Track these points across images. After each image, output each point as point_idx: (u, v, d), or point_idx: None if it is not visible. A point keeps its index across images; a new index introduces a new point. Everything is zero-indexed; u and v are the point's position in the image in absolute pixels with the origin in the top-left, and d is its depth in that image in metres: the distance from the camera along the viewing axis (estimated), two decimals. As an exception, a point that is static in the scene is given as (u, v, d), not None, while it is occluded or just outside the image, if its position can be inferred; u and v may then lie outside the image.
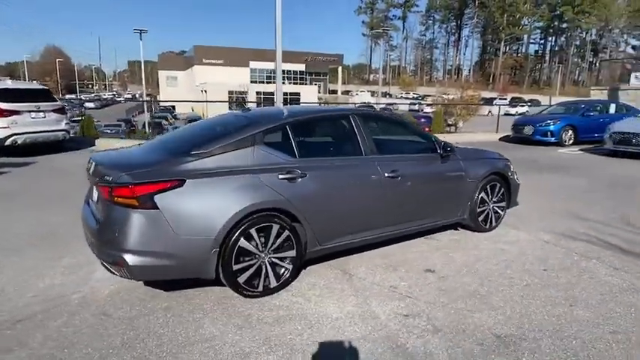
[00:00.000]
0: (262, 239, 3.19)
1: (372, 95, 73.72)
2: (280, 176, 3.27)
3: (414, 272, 3.75)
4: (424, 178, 4.16)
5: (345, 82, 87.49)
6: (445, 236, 4.68)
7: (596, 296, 3.29)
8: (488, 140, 15.73)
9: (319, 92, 64.52)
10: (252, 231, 3.13)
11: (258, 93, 50.76)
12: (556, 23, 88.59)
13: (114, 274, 3.03)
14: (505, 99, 57.26)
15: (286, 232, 3.27)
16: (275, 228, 3.23)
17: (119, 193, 2.84)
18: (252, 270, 3.18)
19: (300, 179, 3.34)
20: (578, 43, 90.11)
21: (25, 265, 3.84)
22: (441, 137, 5.21)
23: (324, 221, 3.49)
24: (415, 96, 73.31)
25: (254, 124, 3.45)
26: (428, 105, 46.91)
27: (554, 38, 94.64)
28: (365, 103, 42.92)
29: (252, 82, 60.55)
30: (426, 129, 15.17)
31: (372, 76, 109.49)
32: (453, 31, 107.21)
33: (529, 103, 51.40)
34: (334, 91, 78.81)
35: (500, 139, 15.60)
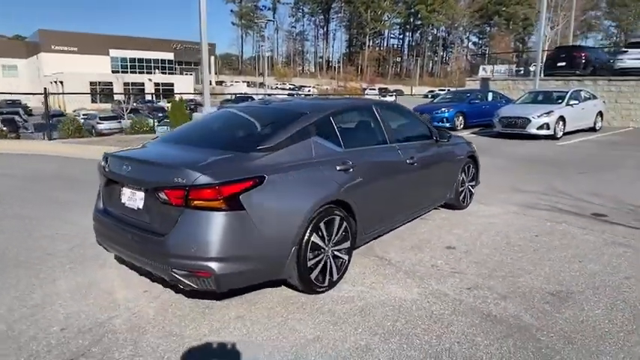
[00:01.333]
0: (327, 233, 3.17)
1: (248, 86, 73.14)
2: (337, 168, 3.27)
3: (438, 250, 4.09)
4: (430, 163, 4.52)
5: (216, 72, 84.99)
6: (436, 215, 5.14)
7: (591, 252, 4.03)
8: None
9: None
10: (321, 225, 3.09)
11: (126, 84, 46.34)
12: (412, 20, 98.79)
13: (187, 287, 2.73)
14: (374, 89, 62.12)
15: (344, 224, 3.30)
16: (337, 220, 3.23)
17: (200, 195, 2.55)
18: (320, 265, 3.14)
19: (351, 170, 3.38)
20: (430, 38, 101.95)
21: (16, 295, 3.15)
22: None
23: (369, 210, 3.59)
24: (292, 87, 74.90)
25: (304, 114, 3.36)
26: (307, 96, 48.63)
27: (411, 33, 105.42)
28: (243, 93, 42.48)
29: (113, 71, 55.11)
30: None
31: (244, 66, 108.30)
32: (322, 24, 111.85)
33: (394, 93, 56.93)
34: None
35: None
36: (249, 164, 2.78)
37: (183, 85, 53.90)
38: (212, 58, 79.00)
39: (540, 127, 11.79)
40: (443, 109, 14.63)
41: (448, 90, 17.52)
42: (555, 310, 2.99)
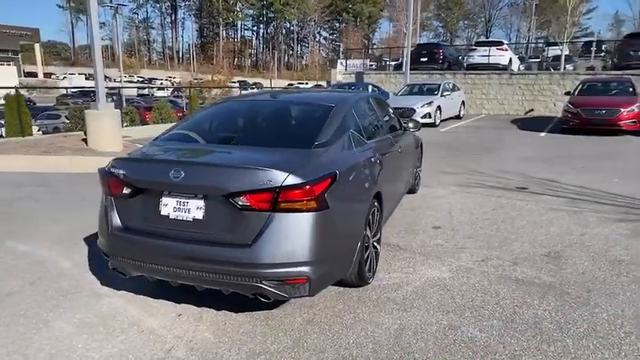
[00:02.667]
0: (372, 224, 3.25)
1: (87, 79, 65.03)
2: (372, 159, 3.35)
3: (430, 231, 4.47)
4: (406, 151, 4.86)
5: (43, 62, 73.61)
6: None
7: (542, 218, 4.86)
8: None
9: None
10: (370, 217, 3.15)
11: None
12: (265, 12, 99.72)
13: (277, 298, 2.56)
14: (235, 82, 61.45)
15: (377, 214, 3.41)
16: (376, 211, 3.32)
17: (291, 196, 2.39)
18: (369, 257, 3.21)
19: (379, 161, 3.50)
20: (285, 31, 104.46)
21: (8, 352, 2.49)
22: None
23: (387, 199, 3.76)
24: (140, 79, 69.23)
25: (333, 107, 3.32)
26: (160, 89, 45.35)
27: (265, 26, 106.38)
28: (81, 87, 37.77)
29: None
30: (179, 114, 15.47)
31: (77, 56, 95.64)
32: (169, 11, 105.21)
33: (254, 86, 57.32)
34: (32, 74, 65.60)
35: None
36: (319, 161, 2.68)
37: (3, 76, 45.29)
38: (37, 45, 68.23)
39: (424, 116, 13.29)
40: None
41: (317, 84, 18.50)
42: (558, 268, 3.60)
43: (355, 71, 21.42)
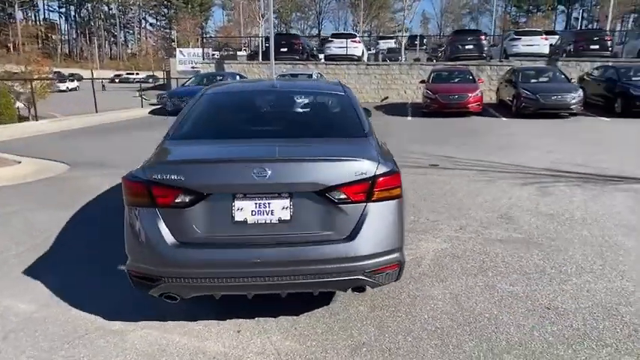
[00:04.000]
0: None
1: None
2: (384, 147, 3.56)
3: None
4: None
5: None
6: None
7: (470, 188, 5.71)
8: (138, 115, 15.87)
9: None
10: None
11: None
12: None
13: (372, 287, 2.68)
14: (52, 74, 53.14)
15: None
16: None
17: (384, 185, 2.46)
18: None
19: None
20: (103, 16, 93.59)
21: None
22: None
23: None
24: None
25: (345, 96, 3.39)
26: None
27: (77, 9, 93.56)
28: None
29: None
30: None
31: None
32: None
33: (73, 78, 50.50)
34: None
35: (151, 113, 16.11)
36: (380, 149, 2.78)
37: None
38: None
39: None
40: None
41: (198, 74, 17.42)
42: (518, 226, 4.37)
43: (217, 59, 20.73)
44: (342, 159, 2.45)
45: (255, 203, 2.38)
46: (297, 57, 20.09)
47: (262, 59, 21.87)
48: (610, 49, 17.73)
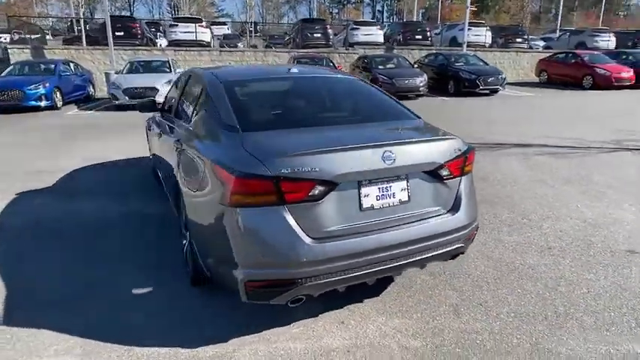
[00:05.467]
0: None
1: None
2: None
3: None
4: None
5: None
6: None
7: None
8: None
9: None
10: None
11: None
12: None
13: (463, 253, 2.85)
14: None
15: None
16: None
17: (469, 159, 2.74)
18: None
19: None
20: None
21: None
22: None
23: None
24: None
25: (358, 80, 3.55)
26: None
27: None
28: None
29: None
30: None
31: None
32: None
33: None
34: None
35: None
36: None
37: None
38: None
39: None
40: (37, 85, 12.31)
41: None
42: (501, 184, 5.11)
43: (34, 45, 17.23)
44: (446, 138, 2.66)
45: (379, 188, 2.40)
46: (137, 42, 18.22)
47: (88, 44, 19.21)
48: (430, 39, 20.94)
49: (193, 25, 19.09)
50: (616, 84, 16.00)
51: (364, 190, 2.35)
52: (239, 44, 29.54)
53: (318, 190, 2.22)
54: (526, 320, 2.64)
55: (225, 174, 2.25)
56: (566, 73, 17.35)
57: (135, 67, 14.06)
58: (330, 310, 2.74)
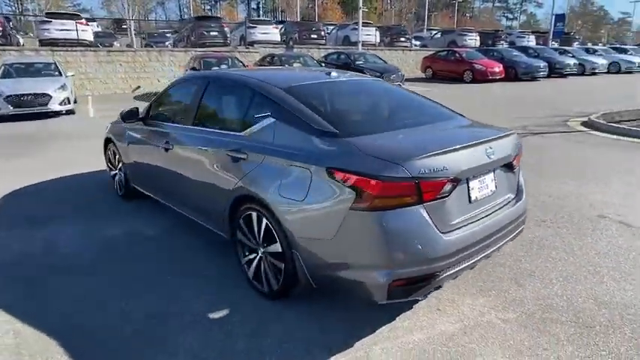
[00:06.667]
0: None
1: None
2: None
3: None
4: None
5: None
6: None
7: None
8: None
9: None
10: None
11: None
12: None
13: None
14: None
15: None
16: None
17: (521, 150, 3.15)
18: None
19: None
20: None
21: None
22: None
23: None
24: None
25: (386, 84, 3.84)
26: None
27: None
28: None
29: None
30: None
31: None
32: None
33: None
34: None
35: None
36: None
37: None
38: None
39: (62, 103, 11.36)
40: None
41: None
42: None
43: None
44: (512, 133, 3.01)
45: (479, 180, 2.68)
46: (0, 42, 15.75)
47: None
48: (324, 38, 21.77)
49: (72, 22, 17.10)
50: (490, 77, 18.58)
51: (472, 184, 2.61)
52: (115, 43, 27.26)
53: (448, 187, 2.42)
54: (572, 280, 3.17)
55: (360, 179, 2.30)
56: (450, 69, 19.61)
57: (11, 71, 12.19)
58: (415, 302, 2.92)
